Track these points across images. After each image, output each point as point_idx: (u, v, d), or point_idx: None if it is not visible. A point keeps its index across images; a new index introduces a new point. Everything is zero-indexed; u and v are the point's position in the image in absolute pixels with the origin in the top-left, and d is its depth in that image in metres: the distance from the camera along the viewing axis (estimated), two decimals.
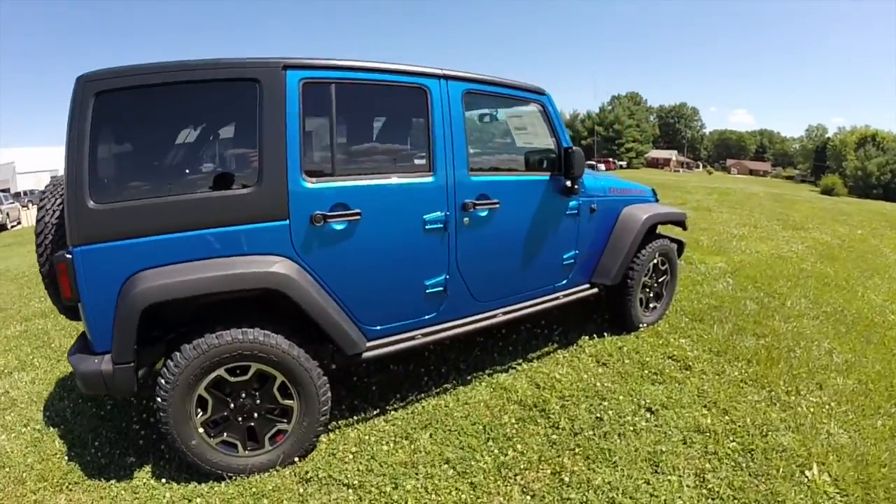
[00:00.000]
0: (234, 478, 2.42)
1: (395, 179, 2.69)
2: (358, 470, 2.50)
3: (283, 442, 2.49)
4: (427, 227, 2.74)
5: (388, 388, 3.36)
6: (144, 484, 2.45)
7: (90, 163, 2.13)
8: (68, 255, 2.13)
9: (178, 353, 2.24)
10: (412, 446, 2.70)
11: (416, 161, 2.88)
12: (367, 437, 2.79)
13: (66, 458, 2.69)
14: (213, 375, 2.30)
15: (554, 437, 2.81)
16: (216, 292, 2.22)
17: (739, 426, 2.81)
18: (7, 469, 2.63)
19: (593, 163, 55.70)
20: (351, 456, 2.62)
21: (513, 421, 2.95)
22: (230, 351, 2.27)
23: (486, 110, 3.85)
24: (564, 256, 3.66)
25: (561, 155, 3.43)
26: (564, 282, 3.75)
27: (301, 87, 2.36)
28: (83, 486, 2.46)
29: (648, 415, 2.98)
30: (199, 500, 2.30)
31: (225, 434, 2.42)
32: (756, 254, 6.83)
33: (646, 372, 3.52)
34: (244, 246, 2.30)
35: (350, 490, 2.36)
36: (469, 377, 3.54)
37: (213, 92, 2.32)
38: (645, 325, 4.22)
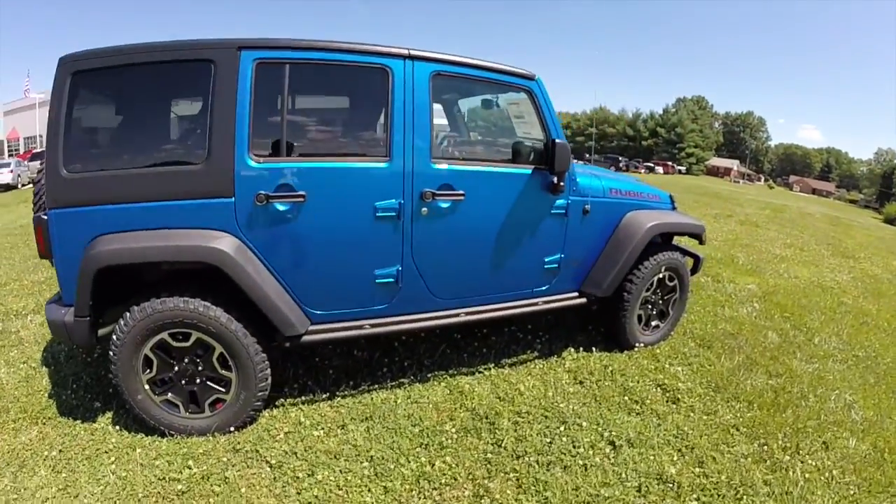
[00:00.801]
0: (174, 435, 2.58)
1: (345, 162, 2.62)
2: (283, 450, 2.53)
3: (221, 410, 2.61)
4: (378, 214, 2.62)
5: (345, 373, 3.28)
6: (101, 427, 2.68)
7: (65, 135, 2.36)
8: (44, 217, 2.40)
9: (127, 314, 2.41)
10: (344, 436, 2.65)
11: (373, 145, 2.77)
12: (305, 420, 2.78)
13: (47, 395, 2.98)
14: (157, 338, 2.46)
15: (492, 455, 2.59)
16: (160, 261, 2.39)
17: (711, 483, 2.42)
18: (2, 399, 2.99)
19: (651, 165, 53.60)
20: (283, 435, 2.65)
21: (455, 429, 2.77)
22: (172, 317, 2.40)
23: (488, 96, 3.57)
24: (546, 260, 3.33)
25: (548, 148, 3.05)
26: (545, 287, 3.42)
27: (255, 68, 2.39)
28: (54, 421, 2.75)
29: (608, 450, 2.64)
30: (139, 450, 2.49)
31: (168, 394, 2.58)
32: (794, 279, 6.18)
33: (625, 399, 3.15)
34: (192, 220, 2.40)
35: (269, 468, 2.42)
36: (430, 375, 3.36)
37: (172, 72, 2.43)
38: (642, 344, 3.81)
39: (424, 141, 2.70)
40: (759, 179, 73.97)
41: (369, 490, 2.31)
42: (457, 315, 3.04)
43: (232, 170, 2.38)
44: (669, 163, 59.32)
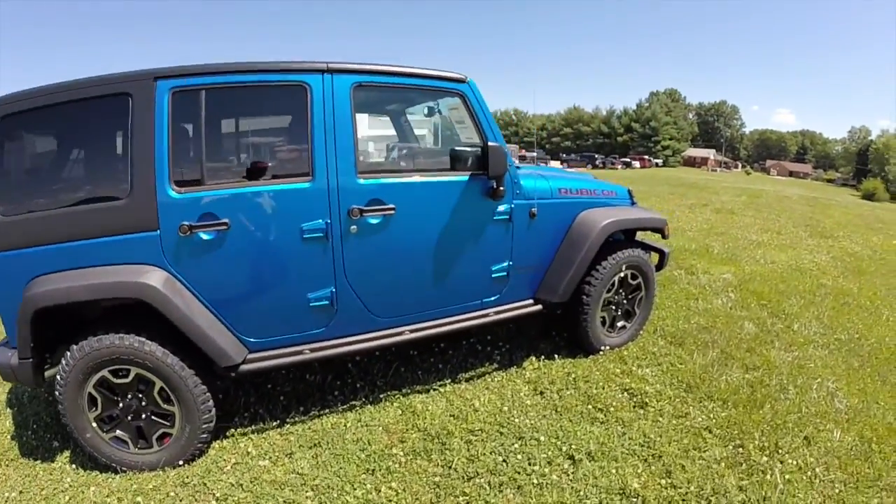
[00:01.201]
0: (126, 472, 2.55)
1: (267, 185, 2.52)
2: (230, 482, 2.47)
3: (169, 445, 2.56)
4: (305, 235, 2.53)
5: (296, 399, 3.15)
6: (59, 467, 2.66)
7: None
8: None
9: (67, 353, 2.40)
10: (291, 465, 2.56)
11: (295, 165, 2.64)
12: (253, 450, 2.69)
13: (10, 436, 2.98)
14: (98, 375, 2.42)
15: (441, 478, 2.40)
16: (92, 300, 2.33)
17: (679, 494, 2.17)
18: None
19: (628, 160, 54.01)
20: (230, 467, 2.58)
21: (404, 452, 2.60)
22: (109, 355, 2.37)
23: (430, 104, 3.39)
24: (494, 268, 3.12)
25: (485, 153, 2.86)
26: (496, 297, 3.20)
27: (171, 97, 2.35)
28: (16, 462, 2.75)
29: (567, 465, 2.40)
30: (93, 488, 2.47)
31: (117, 430, 2.55)
32: (771, 264, 6.01)
33: (588, 407, 2.90)
34: (121, 255, 2.37)
35: (215, 502, 2.36)
36: (383, 395, 3.17)
37: (92, 108, 2.39)
38: (608, 347, 3.58)
39: (348, 156, 2.57)
40: (736, 167, 74.74)
41: None
42: (401, 333, 2.87)
43: (154, 202, 2.34)
44: (646, 157, 59.90)
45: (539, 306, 3.33)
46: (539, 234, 3.24)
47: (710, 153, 72.72)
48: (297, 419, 2.97)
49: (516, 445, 2.58)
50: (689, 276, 5.45)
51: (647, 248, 3.80)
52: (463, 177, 2.90)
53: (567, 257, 3.29)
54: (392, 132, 3.71)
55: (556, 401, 2.99)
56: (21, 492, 2.51)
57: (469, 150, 2.94)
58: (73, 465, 2.66)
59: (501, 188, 2.92)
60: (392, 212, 2.66)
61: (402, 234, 2.74)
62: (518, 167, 3.32)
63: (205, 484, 2.46)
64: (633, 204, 3.80)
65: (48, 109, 2.38)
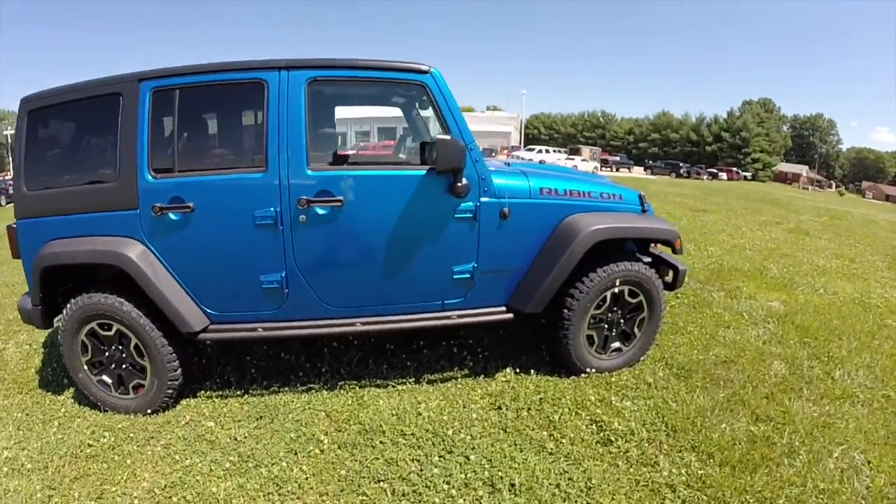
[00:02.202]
0: (107, 410, 2.94)
1: (226, 175, 2.68)
2: (178, 435, 2.71)
3: (141, 394, 2.89)
4: (257, 222, 2.62)
5: (267, 373, 3.28)
6: (62, 399, 3.14)
7: (25, 161, 2.83)
8: (14, 225, 2.87)
9: (68, 305, 2.79)
10: (232, 431, 2.70)
11: (253, 156, 2.74)
12: (207, 412, 2.90)
13: (35, 370, 3.54)
14: (88, 326, 2.80)
15: (352, 473, 2.36)
16: (85, 263, 2.71)
17: None
18: (3, 370, 3.64)
19: (714, 171, 50.22)
20: (185, 423, 2.81)
21: (333, 441, 2.58)
22: (96, 310, 2.74)
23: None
24: (455, 269, 2.79)
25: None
26: (459, 300, 2.86)
27: (151, 96, 2.61)
28: (33, 392, 3.30)
29: (482, 492, 2.10)
30: (78, 419, 2.90)
31: (103, 375, 2.91)
32: (831, 295, 5.06)
33: (543, 434, 2.50)
34: (110, 228, 2.70)
35: (160, 448, 2.63)
36: (342, 383, 3.13)
37: (93, 105, 2.75)
38: (594, 370, 3.07)
39: (299, 148, 2.59)
40: (829, 186, 66.77)
41: (224, 482, 2.34)
42: (352, 325, 2.80)
43: (135, 186, 2.63)
44: (734, 169, 54.86)
45: (510, 315, 2.91)
46: (513, 236, 2.83)
47: (803, 170, 65.24)
48: (258, 392, 3.08)
49: (440, 459, 2.37)
50: (728, 300, 4.69)
51: (663, 262, 3.23)
52: (419, 171, 2.65)
53: (544, 264, 2.84)
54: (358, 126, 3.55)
55: (510, 420, 2.60)
56: (27, 414, 3.03)
57: (429, 144, 2.67)
58: (71, 399, 3.11)
59: (459, 184, 2.62)
60: (339, 204, 2.61)
61: (350, 225, 2.67)
62: (506, 163, 3.09)
63: (159, 432, 2.74)
64: (643, 211, 3.22)
65: (62, 106, 2.79)
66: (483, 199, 2.74)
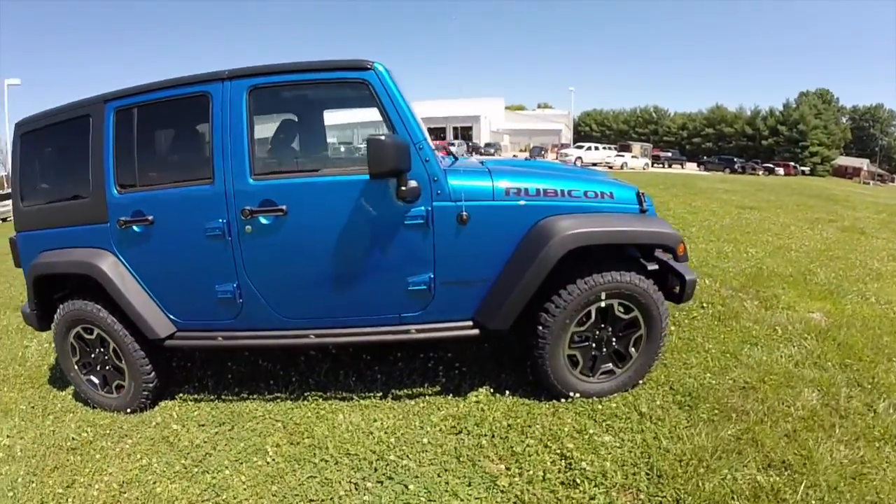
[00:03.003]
0: (96, 407, 3.07)
1: (179, 188, 2.63)
2: (146, 435, 2.76)
3: (122, 395, 2.96)
4: (208, 234, 2.54)
5: (242, 379, 3.24)
6: (63, 395, 3.35)
7: (19, 179, 3.02)
8: (13, 237, 3.06)
9: (58, 310, 2.93)
10: (192, 435, 2.70)
11: (202, 169, 2.62)
12: (176, 415, 2.91)
13: (49, 367, 3.76)
14: (75, 330, 2.92)
15: (281, 488, 2.23)
16: (64, 273, 2.84)
17: None
18: (21, 367, 3.87)
19: (770, 166, 46.72)
20: (154, 424, 2.85)
21: (279, 454, 2.46)
22: (78, 315, 2.86)
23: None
24: (410, 280, 2.45)
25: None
26: (417, 313, 2.51)
27: (115, 115, 2.65)
28: (41, 386, 3.52)
29: None
30: (70, 414, 3.08)
31: (91, 375, 3.03)
32: (884, 305, 4.24)
33: (501, 467, 2.14)
34: (87, 240, 2.78)
35: (128, 446, 2.68)
36: (310, 393, 2.97)
37: (69, 127, 2.83)
38: (578, 395, 2.60)
39: (242, 158, 2.47)
40: (892, 180, 60.33)
41: (171, 483, 2.33)
42: (306, 336, 2.60)
43: (105, 200, 2.67)
44: (791, 164, 50.79)
45: (476, 331, 2.50)
46: (475, 243, 2.43)
47: (864, 163, 59.15)
48: (229, 398, 3.03)
49: (375, 485, 2.13)
50: (761, 311, 4.01)
51: (670, 270, 2.70)
52: (362, 175, 2.32)
53: (512, 275, 2.42)
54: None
55: (468, 448, 2.25)
56: (32, 407, 3.23)
57: None
58: (70, 397, 3.27)
59: (403, 188, 2.32)
60: (282, 213, 2.44)
61: (295, 234, 2.48)
62: (480, 162, 2.76)
63: (133, 430, 2.81)
64: (642, 212, 2.69)
65: (46, 129, 2.91)
66: (436, 203, 2.38)
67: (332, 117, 3.39)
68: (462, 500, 1.95)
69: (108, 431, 2.82)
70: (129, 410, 2.95)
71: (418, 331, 2.50)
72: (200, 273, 2.65)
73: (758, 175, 37.43)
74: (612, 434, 2.32)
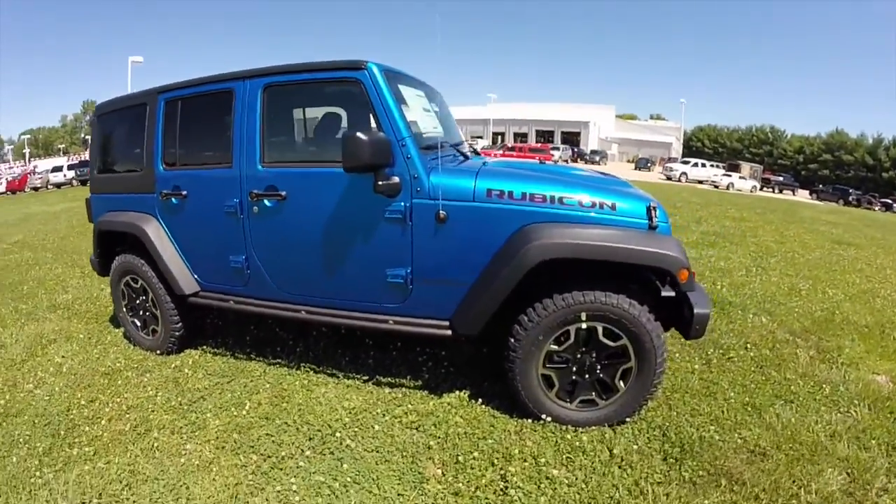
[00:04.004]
0: (135, 347, 3.40)
1: (208, 169, 2.84)
2: (162, 375, 2.99)
3: (155, 337, 3.25)
4: (225, 210, 2.71)
5: (257, 342, 3.38)
6: (117, 330, 3.69)
7: (96, 152, 3.47)
8: (87, 198, 3.53)
9: (114, 261, 3.31)
10: (193, 384, 2.86)
11: (225, 155, 2.78)
12: (192, 361, 3.14)
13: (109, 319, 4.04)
14: (125, 278, 3.28)
15: (241, 436, 2.36)
16: (121, 231, 3.16)
17: None
18: (92, 305, 4.42)
19: (889, 202, 38.77)
20: (171, 367, 3.08)
21: (253, 409, 2.58)
22: (127, 267, 3.20)
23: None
24: (388, 272, 2.34)
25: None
26: (396, 305, 2.41)
27: (164, 105, 2.94)
28: (103, 323, 3.93)
29: (320, 497, 1.87)
30: (115, 347, 3.45)
31: (134, 318, 3.35)
32: None
33: (437, 472, 2.00)
34: (139, 206, 3.09)
35: (147, 378, 2.96)
36: (306, 365, 3.04)
37: (132, 112, 3.15)
38: (550, 419, 2.28)
39: (254, 147, 2.60)
40: None
41: (163, 415, 2.56)
42: (298, 311, 2.65)
43: (153, 175, 2.97)
44: None
45: (449, 332, 2.33)
46: (453, 243, 2.25)
47: None
48: (241, 356, 3.18)
49: (314, 455, 2.18)
50: (814, 363, 3.25)
51: (682, 300, 2.24)
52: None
53: (486, 280, 2.21)
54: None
55: (415, 445, 2.19)
56: (89, 337, 3.64)
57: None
58: (120, 334, 3.61)
59: (379, 182, 2.23)
60: (283, 198, 2.52)
61: (292, 218, 2.55)
62: (484, 162, 2.59)
63: (154, 368, 3.07)
64: (651, 228, 2.24)
65: (115, 112, 3.32)
66: (416, 200, 2.26)
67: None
68: (382, 492, 1.89)
69: (136, 365, 3.11)
70: (158, 351, 3.22)
71: (395, 322, 2.41)
72: (219, 243, 2.81)
73: (873, 210, 31.37)
74: (568, 469, 2.00)
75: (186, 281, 2.95)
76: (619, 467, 2.05)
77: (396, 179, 2.24)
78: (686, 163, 33.05)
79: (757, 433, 2.37)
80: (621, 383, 2.25)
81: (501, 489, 1.88)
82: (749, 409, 2.59)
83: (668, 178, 30.30)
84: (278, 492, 1.96)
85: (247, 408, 2.54)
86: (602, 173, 3.14)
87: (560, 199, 2.18)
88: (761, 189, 33.13)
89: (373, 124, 2.39)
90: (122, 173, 3.29)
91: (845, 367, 3.22)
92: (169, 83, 2.99)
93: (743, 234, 7.98)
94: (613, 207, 2.20)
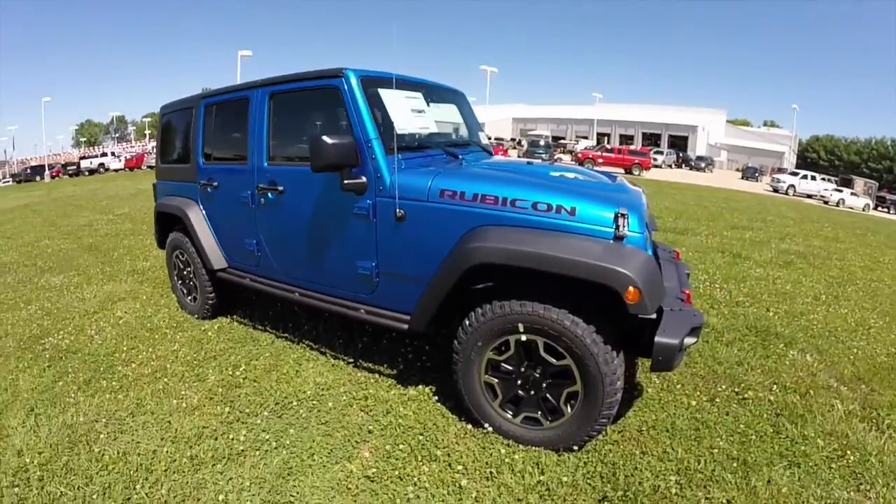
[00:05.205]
0: (180, 310, 3.77)
1: (231, 164, 3.04)
2: (191, 334, 3.29)
3: (194, 303, 3.57)
4: (241, 200, 2.89)
5: (274, 318, 3.55)
6: (172, 295, 4.02)
7: (160, 144, 3.88)
8: (154, 183, 3.96)
9: (168, 237, 3.66)
10: (212, 346, 3.09)
11: (243, 152, 2.93)
12: (219, 327, 3.41)
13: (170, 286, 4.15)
14: (175, 252, 3.60)
15: (226, 388, 2.59)
16: (172, 214, 3.47)
17: None
18: (162, 273, 4.71)
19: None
20: (201, 329, 3.35)
21: (246, 372, 2.75)
22: (176, 243, 3.52)
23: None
24: (359, 265, 2.37)
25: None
26: (367, 295, 2.42)
27: (204, 109, 3.22)
28: (165, 288, 4.27)
29: (257, 453, 2.03)
30: (165, 309, 3.81)
31: (182, 285, 3.71)
32: None
33: (366, 455, 1.99)
34: (186, 193, 3.41)
35: (179, 335, 3.28)
36: (306, 343, 3.15)
37: (182, 115, 3.51)
38: (491, 428, 2.05)
39: (262, 147, 2.75)
40: None
41: (179, 365, 2.84)
42: (293, 292, 2.75)
43: (196, 167, 3.26)
44: None
45: (405, 326, 2.29)
46: (409, 240, 2.20)
47: None
48: (259, 327, 3.40)
49: (268, 416, 2.32)
50: (846, 420, 2.36)
51: (645, 325, 1.85)
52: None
53: (433, 280, 2.12)
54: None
55: (358, 427, 2.21)
56: (148, 299, 4.03)
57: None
58: (174, 298, 3.93)
59: (346, 181, 2.23)
60: (281, 192, 2.65)
61: (288, 210, 2.67)
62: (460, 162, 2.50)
63: (188, 328, 3.40)
64: (617, 238, 1.84)
65: (173, 113, 3.66)
66: (378, 199, 2.25)
67: None
68: (308, 459, 1.99)
69: (175, 324, 3.45)
70: (196, 316, 3.54)
71: (367, 312, 2.41)
72: (238, 228, 3.01)
73: None
74: (485, 484, 1.81)
75: (216, 258, 3.20)
76: (541, 496, 1.77)
77: (363, 179, 2.23)
78: (795, 174, 28.05)
79: (730, 496, 1.88)
80: (567, 407, 1.91)
81: (413, 485, 1.81)
82: (736, 464, 2.06)
83: (775, 191, 26.02)
84: (231, 438, 2.13)
85: (242, 369, 2.72)
86: (608, 175, 2.73)
87: (512, 202, 1.96)
88: (875, 208, 27.04)
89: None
90: (176, 164, 3.59)
91: (891, 431, 2.44)
92: (210, 90, 3.33)
93: (829, 255, 6.54)
94: (573, 212, 1.89)
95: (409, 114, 2.51)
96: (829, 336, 3.56)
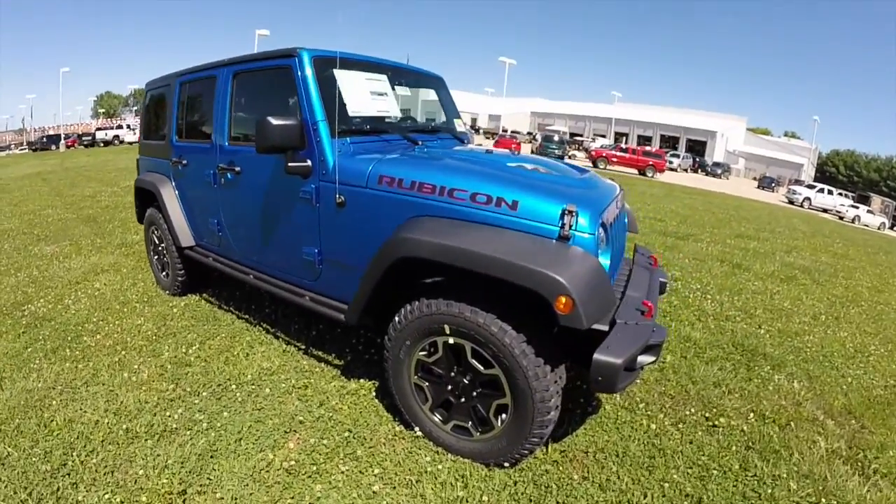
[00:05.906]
0: (157, 284, 3.64)
1: (198, 143, 2.88)
2: (159, 310, 3.19)
3: (167, 279, 3.43)
4: (205, 179, 2.76)
5: (247, 296, 3.45)
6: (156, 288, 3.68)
7: (143, 121, 3.75)
8: (137, 158, 3.74)
9: (146, 212, 3.51)
10: (178, 323, 2.98)
11: (209, 131, 2.81)
12: (184, 304, 3.28)
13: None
14: (151, 227, 3.47)
15: (175, 366, 2.50)
16: (149, 190, 3.30)
17: None
18: (140, 247, 4.54)
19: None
20: (168, 305, 3.25)
21: (200, 351, 2.65)
22: (152, 219, 3.40)
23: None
24: (304, 250, 2.19)
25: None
26: (312, 282, 2.24)
27: (179, 87, 3.08)
28: (144, 264, 4.10)
29: (186, 434, 1.92)
30: (141, 283, 3.67)
31: (157, 260, 3.55)
32: None
33: (291, 445, 1.86)
34: (161, 169, 3.29)
35: (146, 308, 3.22)
36: (265, 324, 3.02)
37: (162, 93, 3.34)
38: (419, 431, 1.77)
39: (224, 126, 2.62)
40: None
41: (140, 340, 2.75)
42: (248, 275, 2.60)
43: (170, 145, 3.14)
44: None
45: (342, 316, 2.08)
46: (349, 228, 2.00)
47: None
48: (224, 307, 3.25)
49: (207, 395, 2.23)
50: (826, 462, 2.02)
51: (585, 339, 1.53)
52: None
53: (365, 271, 1.89)
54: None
55: (290, 416, 2.08)
56: (129, 271, 3.83)
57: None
58: (151, 274, 3.82)
59: (289, 164, 2.05)
60: (238, 172, 2.52)
61: (244, 190, 2.53)
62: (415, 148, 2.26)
63: (157, 303, 3.30)
64: (563, 238, 1.52)
65: (156, 89, 3.45)
66: (321, 183, 2.06)
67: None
68: (236, 445, 1.88)
69: (146, 299, 3.35)
70: (168, 291, 3.44)
71: (311, 300, 2.23)
72: (203, 206, 2.91)
73: None
74: (399, 492, 1.63)
75: (185, 235, 3.07)
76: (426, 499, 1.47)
77: (308, 162, 2.05)
78: (812, 187, 26.49)
79: None
80: (498, 420, 1.62)
81: (326, 483, 1.66)
82: (688, 503, 1.73)
83: (791, 202, 24.64)
84: (167, 415, 2.06)
85: (195, 348, 2.64)
86: (578, 168, 2.34)
87: (450, 192, 1.72)
88: (891, 227, 25.44)
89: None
90: (156, 141, 3.47)
91: (877, 477, 2.07)
92: (184, 69, 3.14)
93: (835, 272, 5.97)
94: (514, 206, 1.61)
95: (366, 96, 2.27)
96: (822, 361, 3.14)
